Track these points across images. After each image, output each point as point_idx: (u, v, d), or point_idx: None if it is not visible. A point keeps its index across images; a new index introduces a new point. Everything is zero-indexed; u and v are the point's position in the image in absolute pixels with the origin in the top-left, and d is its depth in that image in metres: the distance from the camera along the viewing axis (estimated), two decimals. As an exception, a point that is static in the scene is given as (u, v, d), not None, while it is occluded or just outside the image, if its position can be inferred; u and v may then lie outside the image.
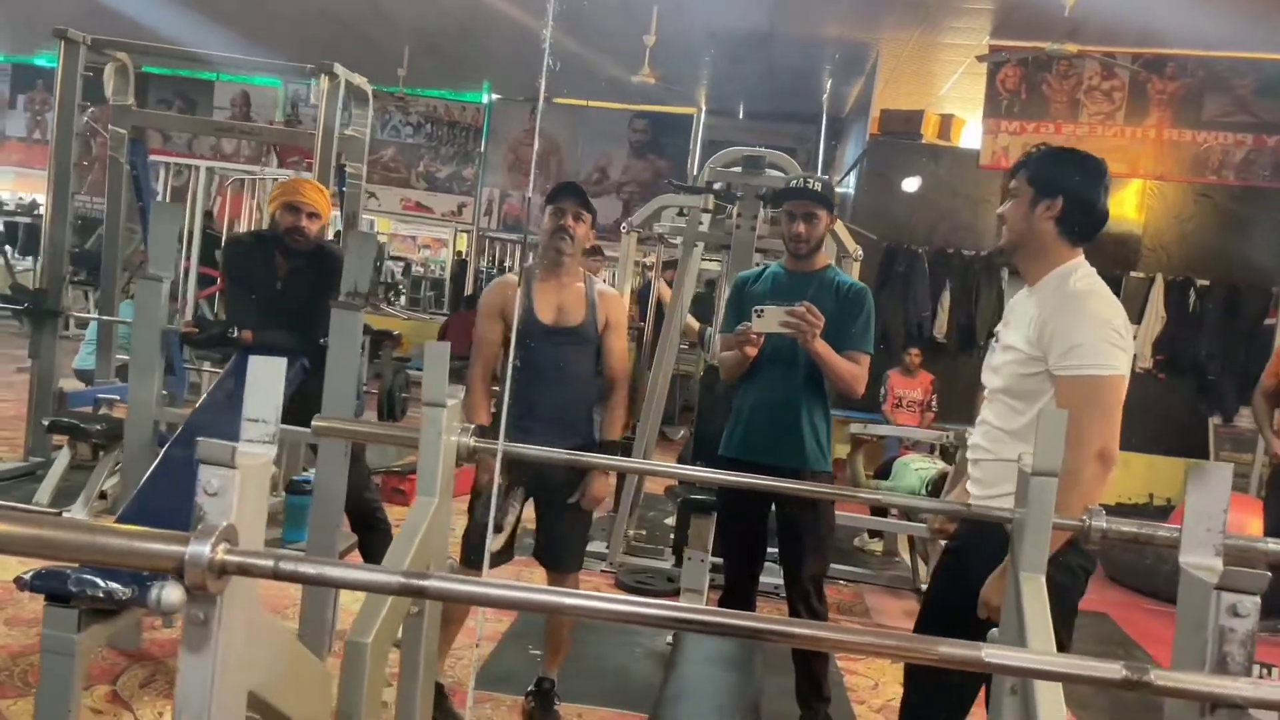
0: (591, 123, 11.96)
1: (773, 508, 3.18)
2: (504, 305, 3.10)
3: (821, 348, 2.90)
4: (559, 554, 3.26)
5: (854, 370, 3.00)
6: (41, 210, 6.27)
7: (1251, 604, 1.07)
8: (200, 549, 1.03)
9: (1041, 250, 2.27)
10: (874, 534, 6.02)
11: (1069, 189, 2.22)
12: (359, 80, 5.09)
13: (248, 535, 1.14)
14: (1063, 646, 2.58)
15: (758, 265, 3.85)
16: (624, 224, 4.61)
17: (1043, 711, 1.44)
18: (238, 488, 1.10)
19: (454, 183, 12.17)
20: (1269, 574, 1.06)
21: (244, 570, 1.06)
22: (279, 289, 3.44)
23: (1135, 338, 8.31)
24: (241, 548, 1.09)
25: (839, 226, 4.18)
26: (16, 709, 2.85)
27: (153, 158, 8.52)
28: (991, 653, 1.06)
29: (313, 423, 1.95)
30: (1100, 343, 2.14)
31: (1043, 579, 1.78)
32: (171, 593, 1.03)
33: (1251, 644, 1.07)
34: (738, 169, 4.00)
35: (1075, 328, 2.15)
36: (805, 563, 3.10)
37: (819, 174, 3.53)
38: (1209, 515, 1.19)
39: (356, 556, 3.53)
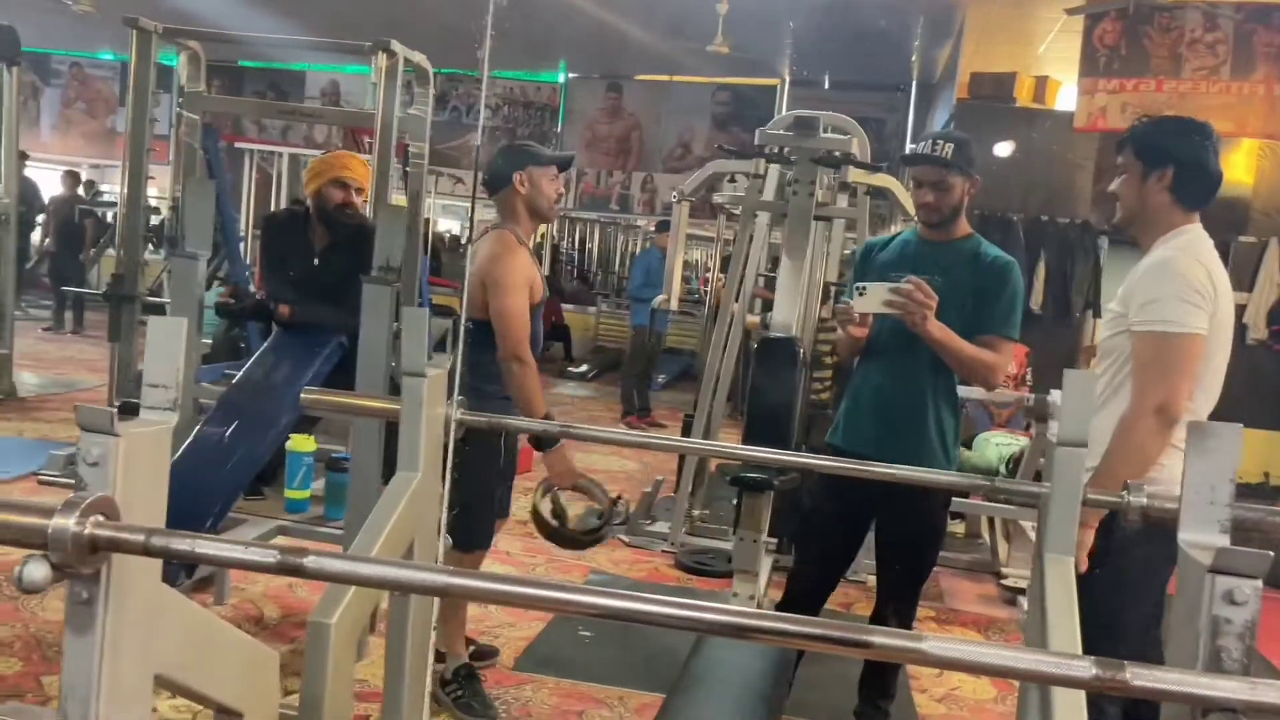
0: (675, 98, 11.81)
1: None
2: (534, 277, 2.98)
3: (937, 330, 2.52)
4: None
5: (986, 358, 2.60)
6: (158, 202, 6.43)
7: (1251, 589, 0.90)
8: (64, 523, 0.96)
9: (1156, 220, 2.32)
10: (956, 515, 5.76)
11: (1178, 157, 2.27)
12: (418, 58, 5.05)
13: (140, 508, 1.07)
14: (1141, 645, 2.37)
15: (894, 231, 3.41)
16: (674, 192, 4.46)
17: (1059, 706, 1.29)
18: (120, 457, 1.03)
19: (532, 164, 12.20)
20: (1270, 554, 0.89)
21: (116, 546, 0.99)
22: (316, 265, 3.43)
23: (1248, 307, 7.79)
24: (124, 522, 1.02)
25: (898, 189, 3.97)
26: None
27: (240, 144, 8.75)
28: (934, 645, 0.92)
29: (301, 395, 1.89)
30: (1176, 299, 2.16)
31: (1071, 561, 1.61)
32: (34, 570, 0.96)
33: (1251, 637, 0.90)
34: (790, 133, 3.82)
35: (1155, 284, 2.20)
36: (908, 577, 2.87)
37: (950, 133, 3.19)
38: (1212, 484, 1.01)
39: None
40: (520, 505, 5.33)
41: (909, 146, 9.19)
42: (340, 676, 1.57)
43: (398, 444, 1.76)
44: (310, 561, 0.98)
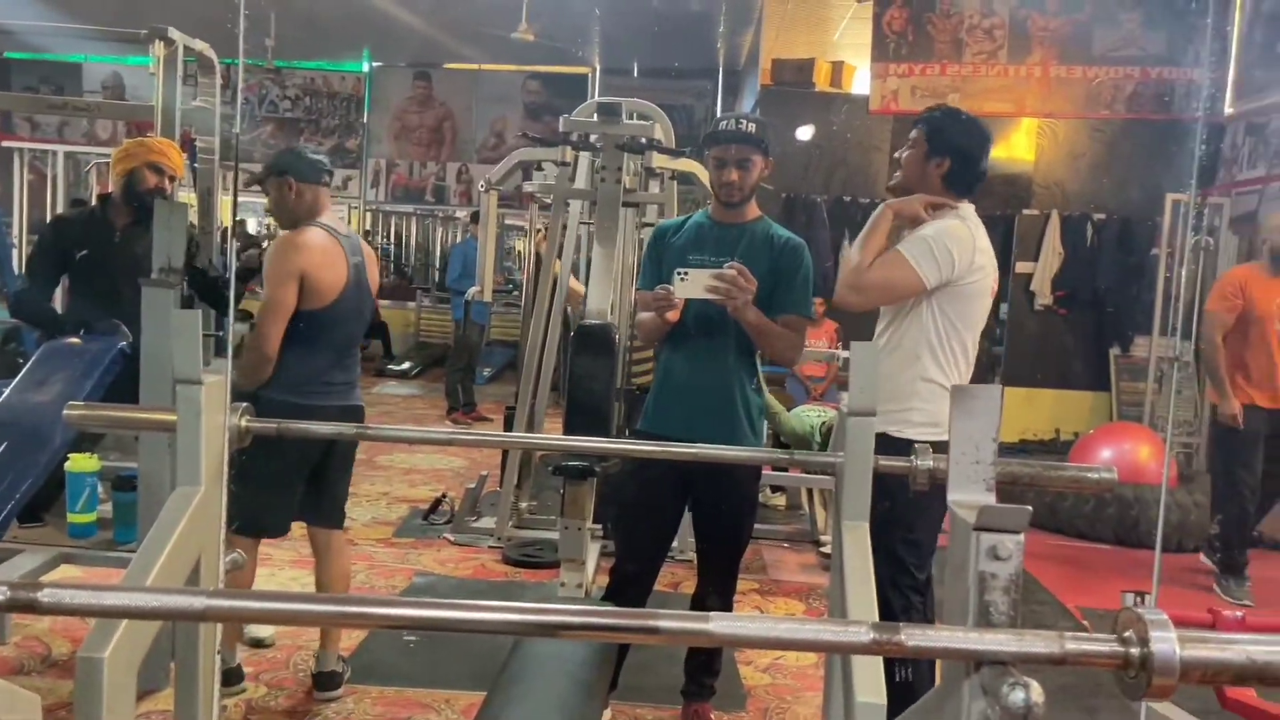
0: (485, 87, 11.64)
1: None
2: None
3: (754, 316, 2.60)
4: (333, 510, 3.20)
5: (791, 338, 2.72)
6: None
7: (1014, 544, 0.93)
8: None
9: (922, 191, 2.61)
10: (776, 488, 5.94)
11: (956, 151, 2.59)
12: (200, 46, 4.76)
13: None
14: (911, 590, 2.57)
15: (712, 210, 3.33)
16: (481, 182, 4.39)
17: (858, 670, 1.32)
18: None
19: (337, 156, 11.77)
20: (1029, 509, 0.93)
21: None
22: (116, 248, 3.29)
23: (1034, 275, 8.36)
24: None
25: (702, 173, 4.04)
26: None
27: (9, 143, 8.04)
28: (720, 625, 0.91)
29: (64, 411, 1.73)
30: (933, 249, 2.48)
31: (866, 527, 1.66)
32: None
33: (1016, 590, 0.94)
34: (594, 120, 3.82)
35: (922, 233, 2.52)
36: (726, 551, 2.92)
37: (747, 114, 3.22)
38: (977, 444, 1.05)
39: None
40: (357, 513, 5.16)
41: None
42: (117, 714, 1.44)
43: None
44: (46, 596, 0.89)
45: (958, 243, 2.51)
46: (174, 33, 4.59)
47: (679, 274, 2.58)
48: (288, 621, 1.92)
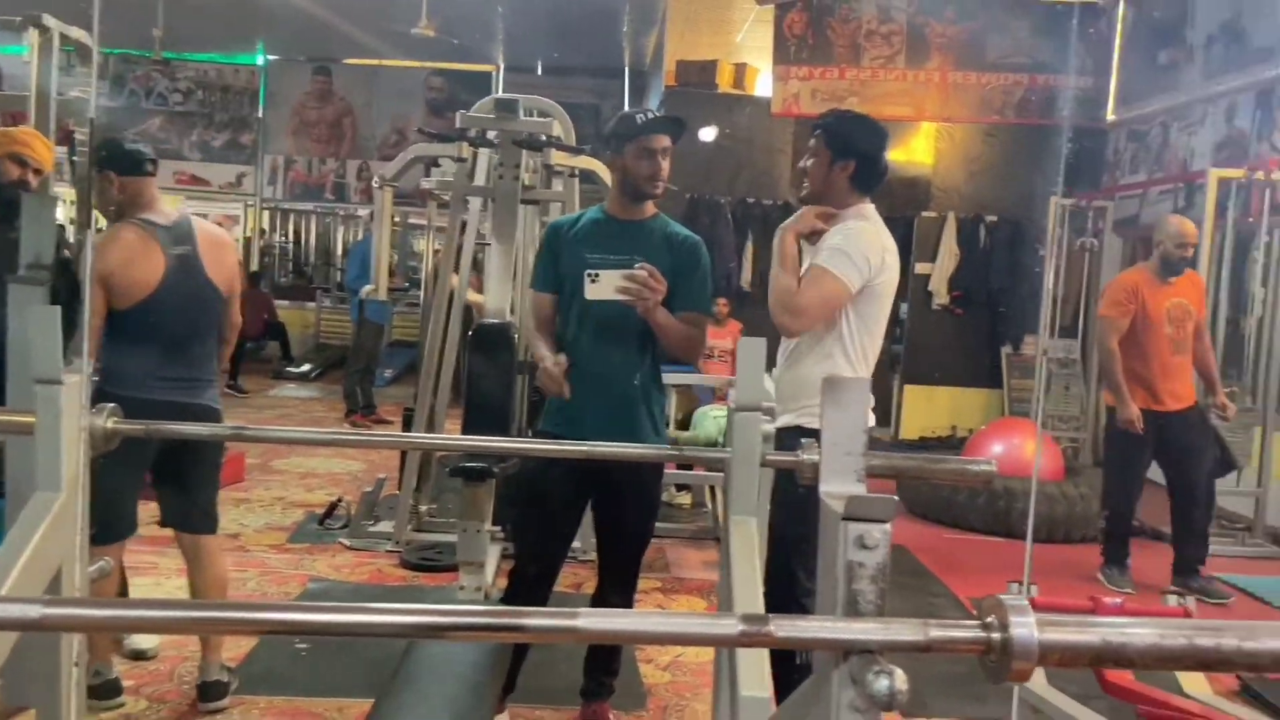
0: (386, 83, 11.45)
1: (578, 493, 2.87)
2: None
3: (663, 316, 2.59)
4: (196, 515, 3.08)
5: (694, 335, 2.71)
6: None
7: (881, 533, 0.94)
8: None
9: (837, 200, 2.68)
10: (681, 487, 5.97)
11: (861, 151, 2.66)
12: (78, 34, 4.57)
13: None
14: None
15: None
16: (376, 178, 4.31)
17: (742, 665, 1.32)
18: None
19: (231, 151, 11.43)
20: (895, 499, 0.93)
21: None
22: None
23: (931, 276, 8.57)
24: None
25: (603, 170, 4.04)
26: None
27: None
28: (588, 621, 0.90)
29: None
30: (845, 256, 2.54)
31: (753, 522, 1.66)
32: None
33: (883, 579, 0.94)
34: (491, 116, 3.77)
35: (842, 241, 2.58)
36: (627, 551, 2.90)
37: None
38: (848, 436, 1.05)
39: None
40: (231, 518, 5.01)
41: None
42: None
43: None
44: None
45: (869, 245, 2.59)
46: (49, 20, 4.40)
47: (589, 275, 2.57)
48: (130, 628, 1.84)
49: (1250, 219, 5.96)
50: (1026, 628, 0.86)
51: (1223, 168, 6.40)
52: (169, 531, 3.16)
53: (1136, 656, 0.89)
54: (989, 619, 0.89)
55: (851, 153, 2.65)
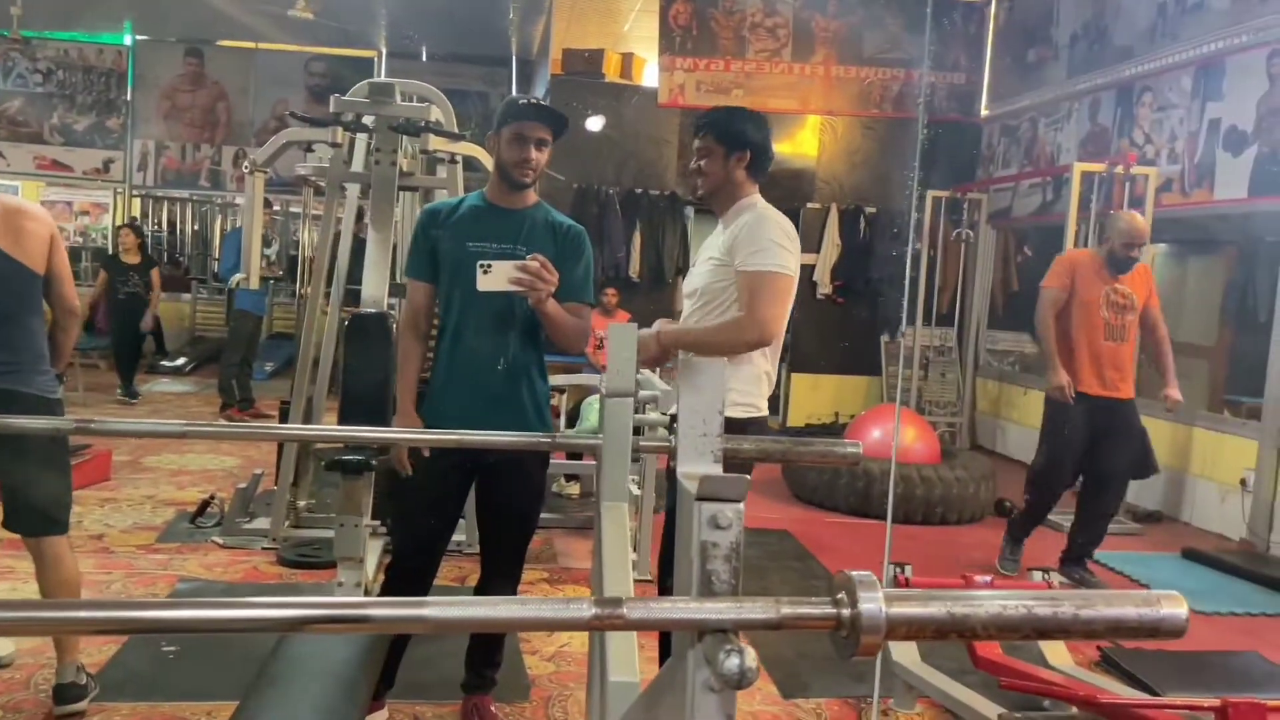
0: (264, 67, 11.07)
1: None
2: None
3: (552, 307, 2.55)
4: (33, 516, 2.87)
5: (580, 326, 2.68)
6: None
7: (733, 513, 0.93)
8: None
9: (734, 192, 2.76)
10: (570, 477, 5.95)
11: (754, 142, 2.73)
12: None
13: None
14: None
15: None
16: (245, 163, 4.15)
17: (611, 651, 1.31)
18: None
19: (97, 135, 10.88)
20: (748, 478, 0.94)
21: None
22: None
23: (816, 266, 8.74)
24: None
25: (485, 157, 3.98)
26: None
27: None
28: (435, 610, 0.87)
29: None
30: (777, 246, 2.61)
31: (624, 507, 1.66)
32: None
33: (736, 559, 0.94)
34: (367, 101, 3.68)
35: (758, 235, 2.62)
36: (510, 540, 2.86)
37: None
38: (704, 418, 1.05)
39: None
40: (94, 518, 4.78)
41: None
42: None
43: None
44: None
45: (787, 226, 2.69)
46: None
47: (481, 266, 2.50)
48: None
49: (1112, 210, 6.25)
50: (874, 603, 0.87)
51: (1087, 162, 6.69)
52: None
53: (980, 627, 0.91)
54: (839, 595, 0.90)
55: (744, 144, 2.72)
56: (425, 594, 2.83)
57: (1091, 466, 4.68)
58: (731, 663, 0.86)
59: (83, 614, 0.94)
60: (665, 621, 0.90)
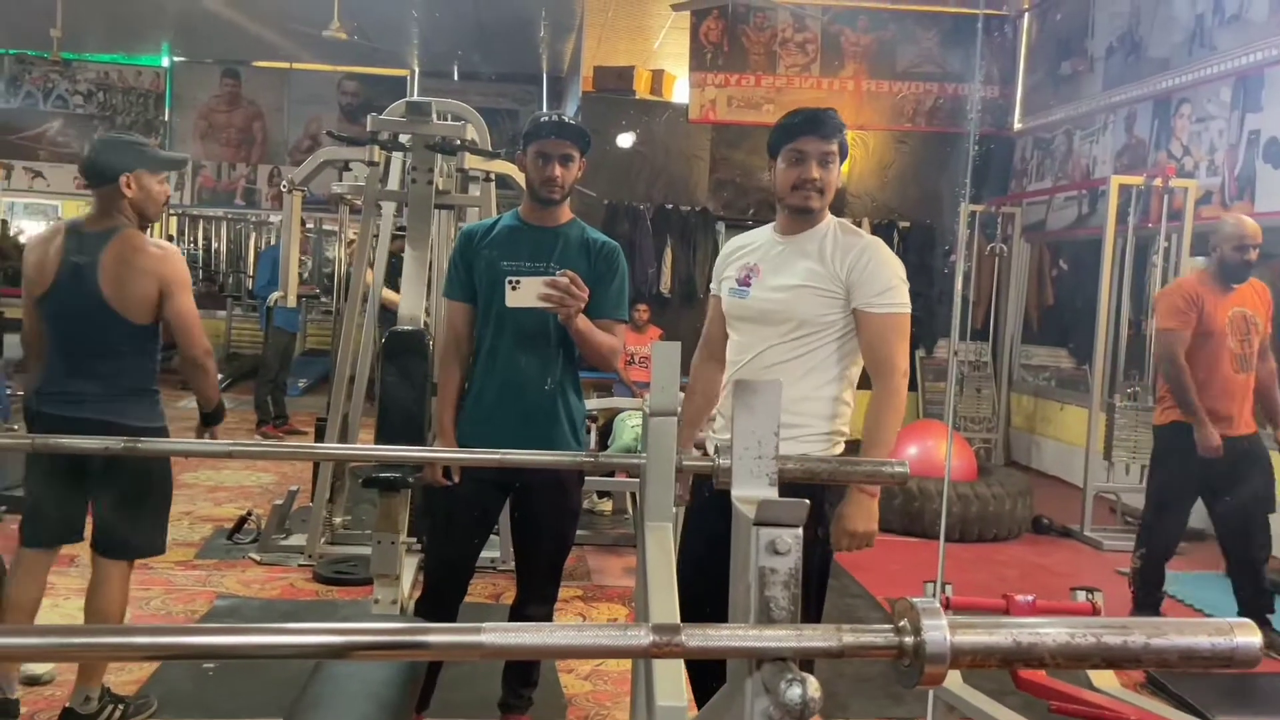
0: (298, 86, 11.20)
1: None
2: None
3: (583, 324, 2.54)
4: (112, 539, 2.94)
5: (612, 343, 2.66)
6: None
7: (792, 538, 0.92)
8: None
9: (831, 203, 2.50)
10: (603, 494, 5.93)
11: (845, 147, 2.46)
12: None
13: None
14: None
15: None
16: (284, 182, 4.19)
17: (659, 674, 1.29)
18: None
19: (136, 155, 11.06)
20: (806, 502, 0.92)
21: None
22: None
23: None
24: None
25: (519, 175, 3.99)
26: None
27: None
28: (492, 636, 0.86)
29: None
30: (901, 284, 2.43)
31: (669, 528, 1.64)
32: None
33: (795, 585, 0.93)
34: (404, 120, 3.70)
35: (884, 272, 2.40)
36: (547, 559, 2.84)
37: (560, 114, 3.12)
38: (759, 440, 1.04)
39: None
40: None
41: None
42: None
43: None
44: None
45: (896, 262, 2.48)
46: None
47: (510, 282, 2.52)
48: (15, 657, 1.74)
49: (1149, 224, 6.18)
50: (939, 630, 0.85)
51: (1123, 174, 6.62)
52: (68, 551, 3.03)
53: (1047, 656, 0.89)
54: (901, 623, 0.88)
55: (846, 150, 2.49)
56: (457, 607, 2.84)
57: (1228, 516, 4.16)
58: (794, 692, 0.84)
59: (136, 640, 0.93)
60: (724, 650, 0.88)
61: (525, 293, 2.50)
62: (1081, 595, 3.24)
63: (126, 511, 2.87)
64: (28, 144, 10.45)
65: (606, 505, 6.00)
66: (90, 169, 2.83)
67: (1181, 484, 4.17)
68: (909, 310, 2.44)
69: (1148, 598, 4.29)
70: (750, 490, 1.03)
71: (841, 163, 2.47)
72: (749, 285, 2.51)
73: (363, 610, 3.90)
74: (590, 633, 0.88)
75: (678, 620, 1.39)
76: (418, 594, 2.97)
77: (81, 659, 2.42)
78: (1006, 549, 5.65)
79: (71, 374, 2.80)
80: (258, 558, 4.54)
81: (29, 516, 2.93)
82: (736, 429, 1.03)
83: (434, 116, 3.75)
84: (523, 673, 2.93)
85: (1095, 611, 3.09)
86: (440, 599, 2.80)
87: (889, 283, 2.39)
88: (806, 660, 0.90)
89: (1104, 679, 3.27)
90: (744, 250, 2.59)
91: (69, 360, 2.81)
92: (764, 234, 2.58)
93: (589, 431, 5.64)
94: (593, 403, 5.34)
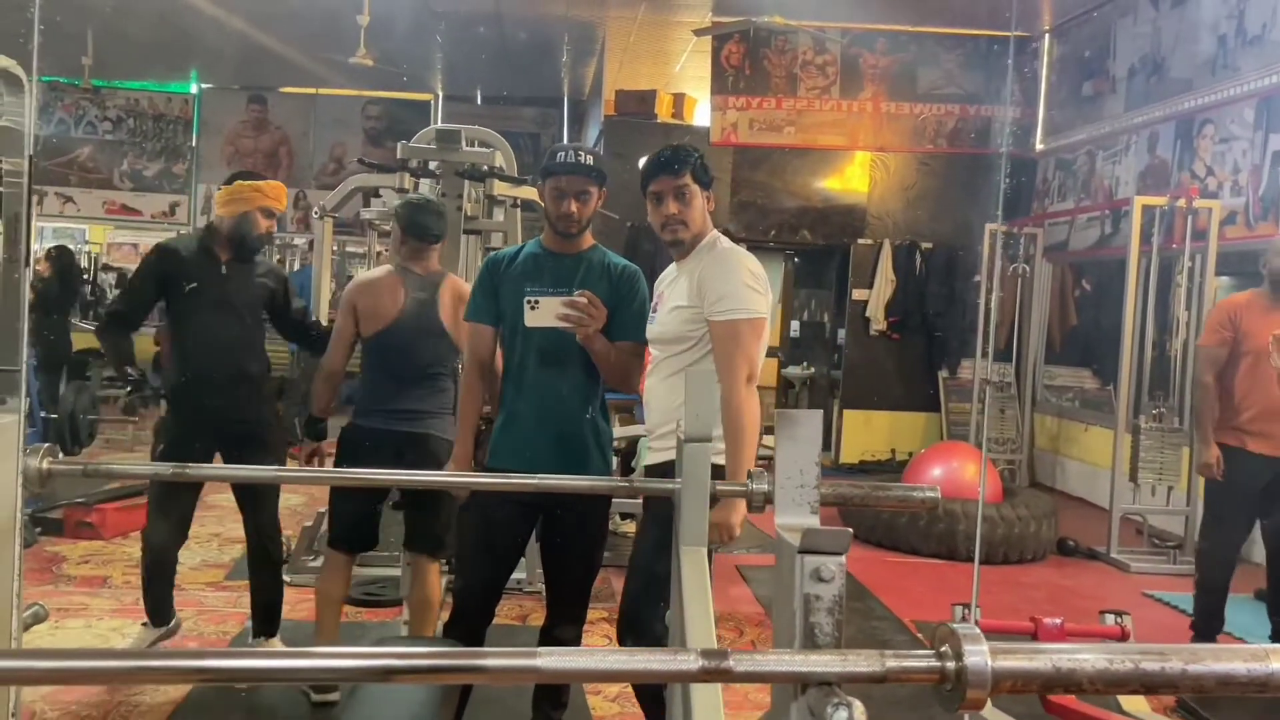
0: (323, 111, 11.36)
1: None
2: None
3: (601, 344, 2.62)
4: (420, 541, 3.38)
5: (631, 364, 2.74)
6: None
7: (836, 566, 0.95)
8: None
9: (704, 230, 2.64)
10: (626, 515, 5.95)
11: (710, 181, 2.66)
12: (5, 62, 4.46)
13: None
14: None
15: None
16: (315, 209, 4.27)
17: (698, 698, 1.32)
18: None
19: (164, 180, 11.23)
20: (850, 531, 0.95)
21: None
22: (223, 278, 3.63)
23: (868, 302, 8.71)
24: None
25: (535, 193, 4.08)
26: None
27: None
28: (549, 660, 0.89)
29: None
30: (744, 291, 2.50)
31: (704, 552, 1.67)
32: None
33: (840, 611, 0.95)
34: (433, 147, 3.77)
35: (720, 281, 2.51)
36: (576, 582, 2.88)
37: (581, 144, 3.23)
38: (801, 469, 1.07)
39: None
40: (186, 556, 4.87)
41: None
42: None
43: None
44: None
45: (752, 262, 2.59)
46: (-26, 47, 4.30)
47: (529, 302, 2.58)
48: (59, 680, 1.79)
49: (1173, 245, 6.17)
50: (980, 656, 0.88)
51: (1146, 195, 6.61)
52: (100, 572, 3.07)
53: (1086, 682, 0.91)
54: (943, 648, 0.91)
55: (709, 182, 2.65)
56: (485, 628, 2.87)
57: (1273, 535, 4.06)
58: (840, 716, 0.86)
59: (187, 663, 0.97)
60: (771, 674, 0.91)
61: (544, 312, 2.57)
62: (1110, 619, 3.24)
63: (439, 516, 3.34)
64: (59, 170, 10.65)
65: (631, 527, 6.01)
66: (439, 229, 3.32)
67: (1233, 508, 4.07)
68: (753, 315, 2.50)
69: (1206, 628, 4.17)
70: (793, 519, 1.05)
71: (707, 188, 2.63)
72: (656, 312, 2.73)
73: (393, 631, 3.94)
74: (641, 657, 0.91)
75: (714, 643, 1.42)
76: (445, 615, 3.00)
77: (126, 681, 2.46)
78: (1032, 571, 5.64)
79: (404, 394, 3.25)
80: (288, 579, 4.58)
81: (336, 522, 3.39)
82: (780, 459, 1.06)
83: (463, 144, 3.81)
84: (554, 694, 2.95)
85: (1125, 635, 3.09)
86: (470, 621, 2.83)
87: (724, 290, 2.49)
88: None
89: (1134, 703, 3.26)
90: (660, 282, 2.79)
91: (399, 382, 3.26)
92: (672, 266, 2.76)
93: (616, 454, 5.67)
94: (619, 430, 5.37)
